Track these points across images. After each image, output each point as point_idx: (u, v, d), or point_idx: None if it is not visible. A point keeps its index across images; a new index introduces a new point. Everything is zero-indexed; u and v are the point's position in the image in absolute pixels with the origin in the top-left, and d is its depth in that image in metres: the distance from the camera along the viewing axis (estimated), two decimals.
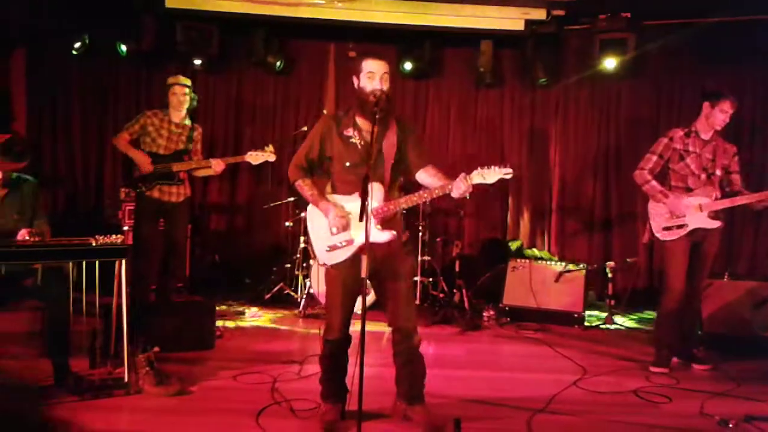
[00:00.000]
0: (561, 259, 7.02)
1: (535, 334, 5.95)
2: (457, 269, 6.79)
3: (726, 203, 4.79)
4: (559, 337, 5.87)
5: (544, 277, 6.46)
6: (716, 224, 4.81)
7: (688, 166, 4.84)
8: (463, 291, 6.58)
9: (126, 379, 4.01)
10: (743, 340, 5.47)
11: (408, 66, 7.41)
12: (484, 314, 6.43)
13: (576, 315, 6.28)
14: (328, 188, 3.63)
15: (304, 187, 3.61)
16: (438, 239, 7.23)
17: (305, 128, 6.79)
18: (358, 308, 3.42)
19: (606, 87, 7.60)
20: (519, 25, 7.13)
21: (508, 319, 6.40)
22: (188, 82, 5.48)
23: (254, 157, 5.44)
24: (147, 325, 4.59)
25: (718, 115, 4.79)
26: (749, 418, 3.83)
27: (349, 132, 3.57)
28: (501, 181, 7.93)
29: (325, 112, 7.04)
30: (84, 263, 3.96)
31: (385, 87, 3.53)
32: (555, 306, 6.36)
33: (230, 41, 7.40)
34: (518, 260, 6.60)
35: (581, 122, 7.72)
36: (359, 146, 3.53)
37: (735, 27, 6.64)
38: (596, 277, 6.98)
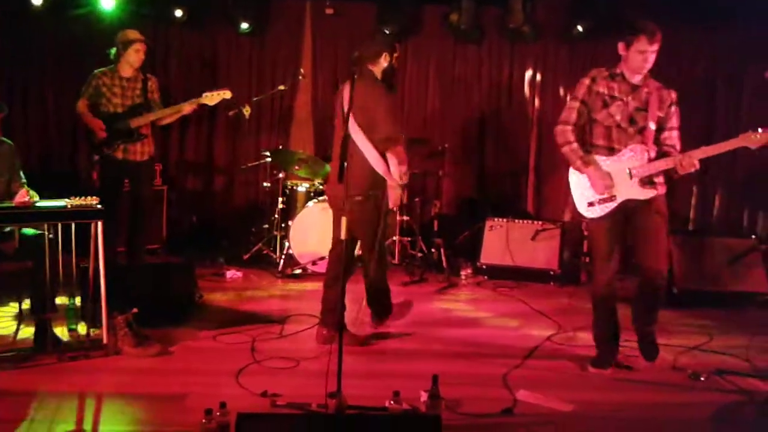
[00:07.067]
0: (538, 218, 7.08)
1: (512, 292, 6.02)
2: (435, 228, 6.83)
3: (657, 166, 3.77)
4: (535, 294, 5.94)
5: (521, 235, 6.51)
6: (651, 193, 3.81)
7: (612, 116, 3.84)
8: (441, 250, 6.63)
9: (105, 341, 4.00)
10: (716, 295, 5.60)
11: (387, 29, 7.30)
12: (462, 273, 6.50)
13: (552, 272, 6.36)
14: None
15: None
16: (416, 199, 7.24)
17: (282, 87, 6.72)
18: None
19: (584, 44, 7.55)
20: None
21: (486, 277, 6.47)
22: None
23: (210, 98, 5.43)
24: (124, 286, 4.57)
25: (636, 58, 3.77)
26: (720, 372, 3.94)
27: None
28: (480, 137, 7.92)
29: (302, 71, 6.95)
30: (60, 226, 3.94)
31: None
32: (531, 264, 6.42)
33: None
34: (496, 219, 6.64)
35: (560, 79, 7.68)
36: None
37: None
38: (572, 235, 7.04)
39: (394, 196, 4.25)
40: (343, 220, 3.47)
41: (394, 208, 4.42)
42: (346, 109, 3.91)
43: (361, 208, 4.15)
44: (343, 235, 3.35)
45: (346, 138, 3.26)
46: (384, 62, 4.24)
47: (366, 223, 4.23)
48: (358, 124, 4.06)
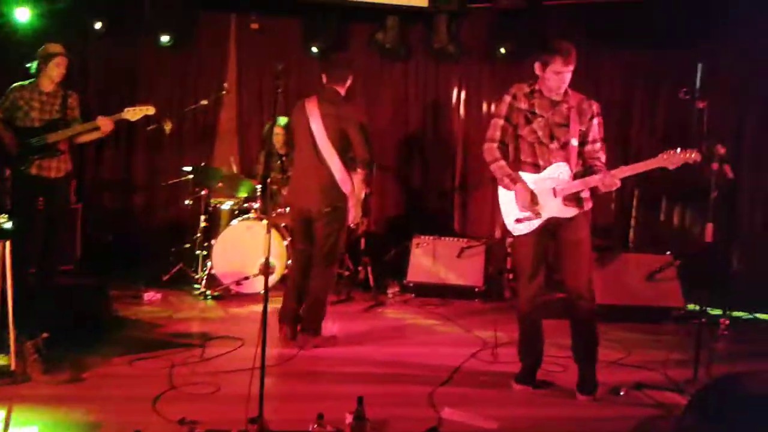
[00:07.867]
0: (464, 235, 7.15)
1: (438, 309, 6.04)
2: (362, 247, 6.80)
3: (579, 185, 3.75)
4: (460, 311, 5.98)
5: (447, 252, 6.56)
6: (572, 212, 3.80)
7: (535, 132, 3.80)
8: (369, 268, 6.60)
9: (13, 368, 3.79)
10: (634, 309, 5.75)
11: (314, 47, 7.27)
12: (389, 291, 6.49)
13: (477, 289, 6.42)
14: None
15: None
16: None
17: (204, 102, 6.57)
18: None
19: (507, 64, 7.69)
20: (423, 2, 7.13)
21: (413, 295, 6.47)
22: None
23: (132, 113, 5.25)
24: (33, 310, 4.33)
25: (553, 78, 3.74)
26: (639, 386, 4.02)
27: None
28: (407, 155, 8.06)
29: (225, 86, 6.83)
30: None
31: None
32: (457, 281, 6.48)
33: (125, 9, 7.02)
34: (422, 237, 6.67)
35: (485, 98, 7.78)
36: None
37: (632, 8, 6.84)
38: (497, 252, 7.13)
39: (354, 214, 4.58)
40: (266, 237, 3.39)
41: (353, 225, 4.65)
42: (315, 127, 4.41)
43: (328, 219, 4.52)
44: (264, 252, 3.28)
45: (269, 155, 3.22)
46: (349, 82, 4.63)
47: (330, 235, 4.58)
48: (332, 143, 4.40)
